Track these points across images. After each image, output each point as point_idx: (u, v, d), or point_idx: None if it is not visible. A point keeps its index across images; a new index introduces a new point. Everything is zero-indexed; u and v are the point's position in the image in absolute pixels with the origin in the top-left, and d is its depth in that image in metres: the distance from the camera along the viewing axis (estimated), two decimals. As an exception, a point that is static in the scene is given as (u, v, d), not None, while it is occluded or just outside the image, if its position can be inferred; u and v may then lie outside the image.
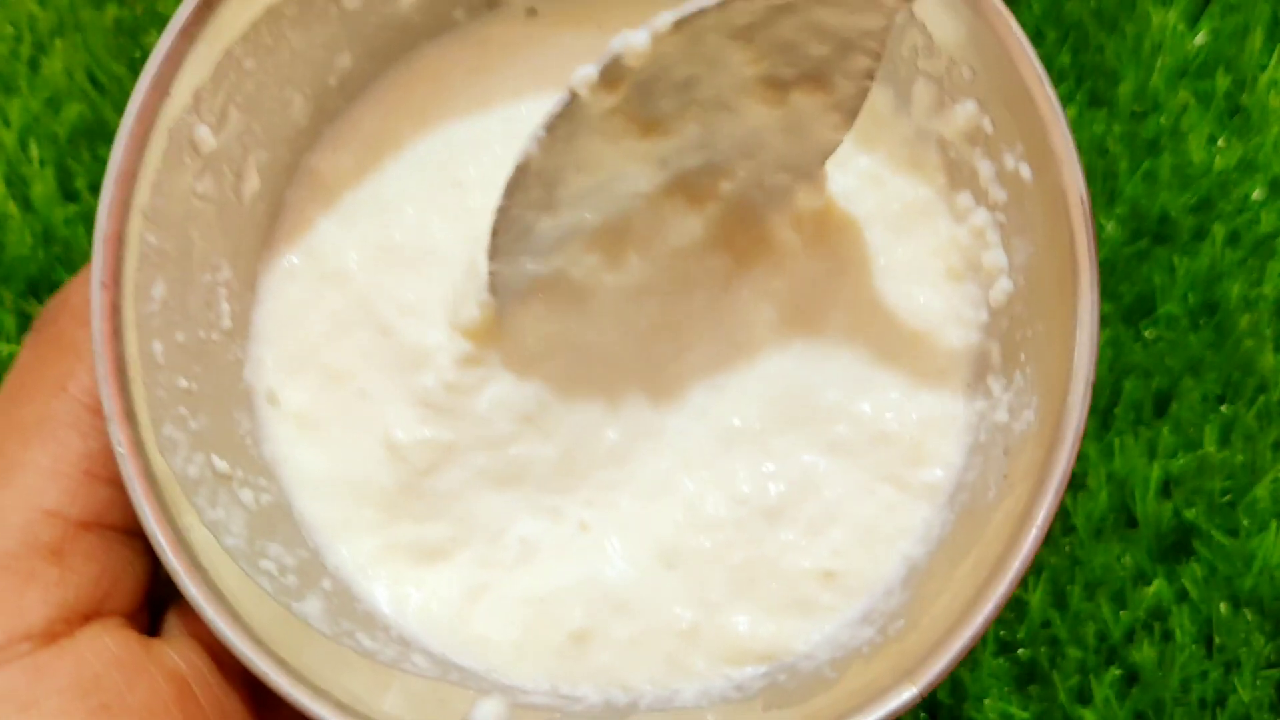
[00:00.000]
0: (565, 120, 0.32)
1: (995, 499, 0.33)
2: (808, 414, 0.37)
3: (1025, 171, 0.33)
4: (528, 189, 0.33)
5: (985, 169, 0.35)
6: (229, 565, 0.32)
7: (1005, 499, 0.33)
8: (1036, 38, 0.57)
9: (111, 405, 0.30)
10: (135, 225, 0.32)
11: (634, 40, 0.31)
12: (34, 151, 0.55)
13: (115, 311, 0.31)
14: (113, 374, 0.31)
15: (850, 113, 0.35)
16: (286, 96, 0.36)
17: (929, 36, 0.35)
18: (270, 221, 0.38)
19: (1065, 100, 0.55)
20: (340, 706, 0.31)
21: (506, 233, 0.34)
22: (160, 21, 0.57)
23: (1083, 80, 0.56)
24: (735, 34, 0.32)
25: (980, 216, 0.36)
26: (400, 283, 0.37)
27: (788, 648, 0.35)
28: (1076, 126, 0.55)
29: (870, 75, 0.33)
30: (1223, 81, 0.56)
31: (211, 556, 0.31)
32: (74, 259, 0.54)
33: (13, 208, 0.54)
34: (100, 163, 0.55)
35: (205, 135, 0.34)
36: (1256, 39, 0.56)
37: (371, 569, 0.36)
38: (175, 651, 0.32)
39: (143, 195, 0.32)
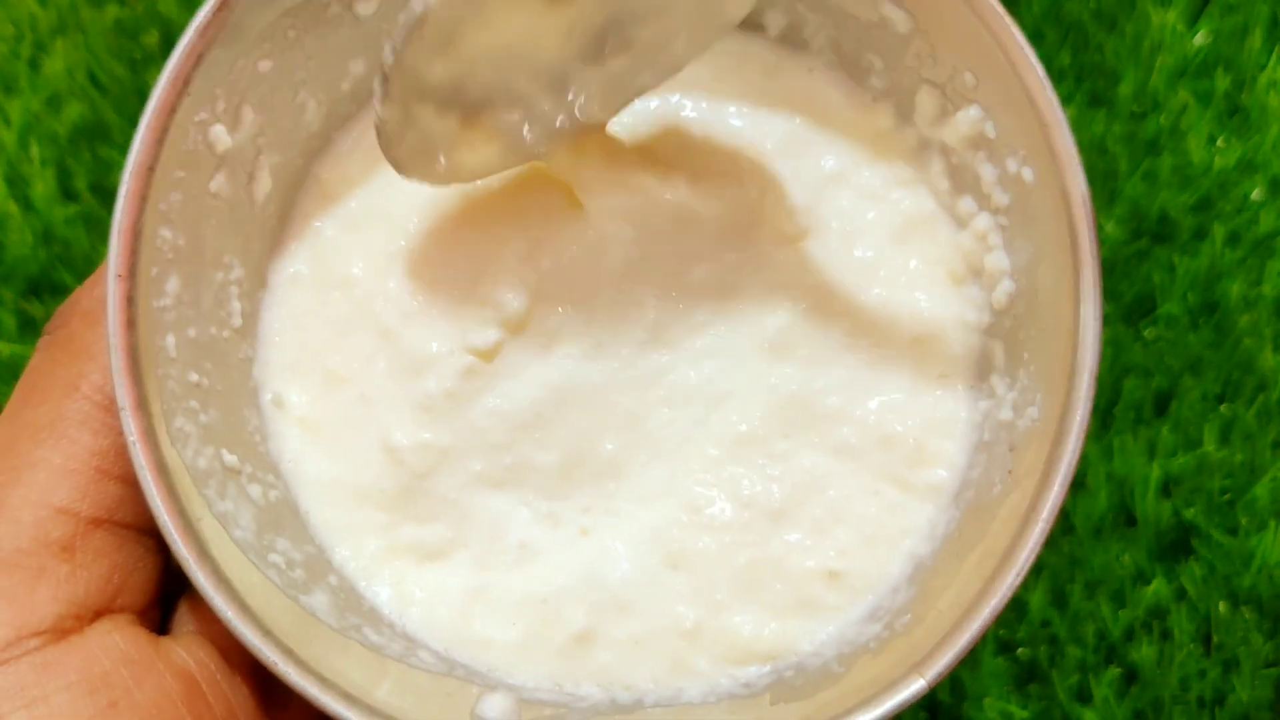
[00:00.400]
0: None
1: (1000, 494, 0.33)
2: (811, 418, 0.37)
3: (1028, 174, 0.34)
4: (424, 37, 0.33)
5: (988, 173, 0.36)
6: (237, 556, 0.32)
7: (1010, 494, 0.33)
8: (1036, 38, 0.57)
9: (124, 395, 0.31)
10: (151, 219, 0.32)
11: None
12: (34, 151, 0.55)
13: (130, 303, 0.31)
14: (126, 365, 0.31)
15: None
16: (300, 100, 0.37)
17: (932, 44, 0.35)
18: (280, 224, 0.38)
19: (1065, 100, 0.55)
20: (347, 697, 0.31)
21: (399, 79, 0.33)
22: (160, 21, 0.57)
23: (1083, 80, 0.56)
24: None
25: (983, 220, 0.36)
26: (404, 290, 0.37)
27: (792, 648, 0.35)
28: (1076, 126, 0.55)
29: None
30: (1222, 81, 0.56)
31: (220, 547, 0.31)
32: (74, 259, 0.54)
33: (13, 208, 0.54)
34: (101, 162, 0.55)
35: (221, 134, 0.34)
36: (1256, 39, 0.56)
37: (374, 569, 0.36)
38: (184, 649, 0.32)
39: (159, 191, 0.32)
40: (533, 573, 0.36)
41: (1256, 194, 0.54)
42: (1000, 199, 0.35)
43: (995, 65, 0.33)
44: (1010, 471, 0.33)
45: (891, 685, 0.31)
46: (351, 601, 0.35)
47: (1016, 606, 0.49)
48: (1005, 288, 0.36)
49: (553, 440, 0.37)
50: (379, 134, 0.34)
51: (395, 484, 0.36)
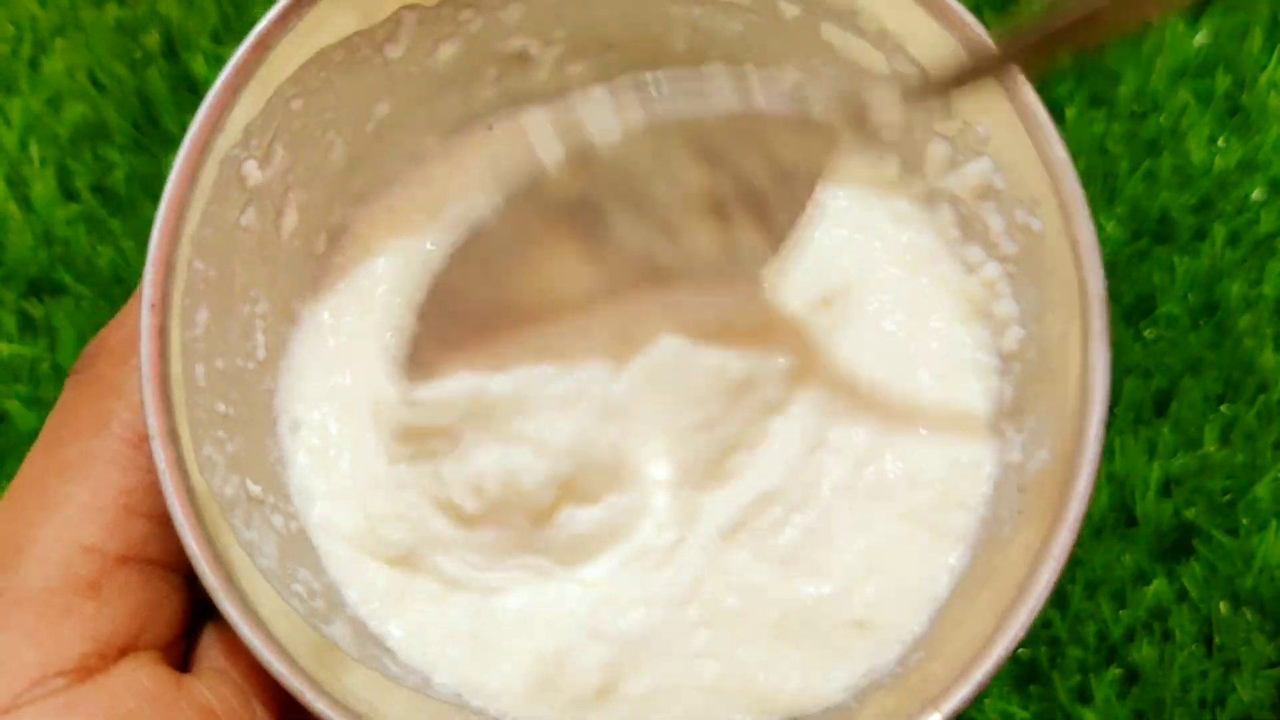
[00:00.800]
0: (524, 199, 0.34)
1: (1011, 533, 0.34)
2: (836, 468, 0.37)
3: (1036, 224, 0.34)
4: (468, 260, 0.35)
5: (996, 223, 0.36)
6: (263, 585, 0.32)
7: (1021, 533, 0.33)
8: (1036, 38, 0.57)
9: (155, 424, 0.31)
10: (184, 252, 0.32)
11: (608, 128, 0.33)
12: (34, 151, 0.55)
13: (162, 333, 0.32)
14: (157, 394, 0.31)
15: (779, 242, 0.36)
16: (329, 140, 0.37)
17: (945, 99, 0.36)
18: (304, 264, 0.38)
19: (1065, 100, 0.56)
20: None
21: (434, 299, 0.35)
22: (161, 21, 0.57)
23: (1083, 80, 0.56)
24: (696, 149, 0.34)
25: (991, 269, 0.37)
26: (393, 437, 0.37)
27: (816, 697, 0.35)
28: (1076, 126, 0.55)
29: (805, 204, 0.35)
30: (1223, 81, 0.56)
31: (246, 574, 0.31)
32: (74, 259, 0.54)
33: (13, 208, 0.54)
34: (101, 163, 0.55)
35: (252, 170, 0.35)
36: (1256, 39, 0.56)
37: (384, 611, 0.36)
38: (207, 686, 0.32)
39: (192, 223, 0.33)
40: (545, 627, 0.36)
41: (1257, 194, 0.54)
42: (1008, 248, 0.36)
43: (1005, 117, 0.34)
44: (1020, 512, 0.34)
45: (908, 719, 0.31)
46: (368, 634, 0.36)
47: (1017, 607, 0.49)
48: (1014, 334, 0.36)
49: (568, 524, 0.36)
50: (409, 352, 0.36)
51: (393, 551, 0.36)
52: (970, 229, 0.37)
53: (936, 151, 0.37)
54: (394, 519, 0.36)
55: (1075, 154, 0.56)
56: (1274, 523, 0.50)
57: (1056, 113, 0.55)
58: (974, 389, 0.37)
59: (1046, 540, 0.31)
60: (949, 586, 0.35)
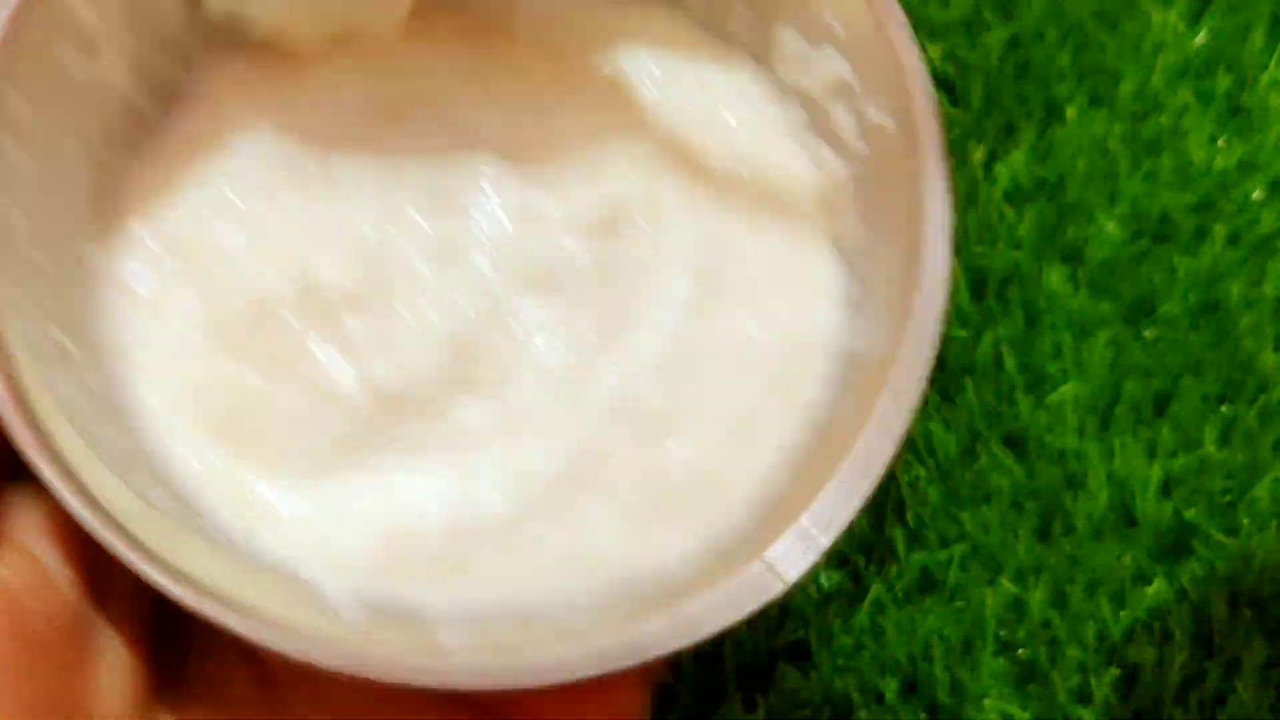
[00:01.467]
0: None
1: (852, 411, 0.33)
2: (697, 329, 0.36)
3: (888, 122, 0.34)
4: None
5: (846, 122, 0.36)
6: (74, 439, 0.29)
7: (863, 410, 0.32)
8: (1036, 38, 0.57)
9: None
10: (4, 88, 0.31)
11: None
12: (35, 151, 0.55)
13: None
14: None
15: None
16: None
17: None
18: (127, 121, 0.36)
19: (1065, 100, 0.56)
20: (188, 580, 0.28)
21: None
22: (161, 21, 0.57)
23: (1083, 80, 0.56)
24: None
25: (840, 169, 0.36)
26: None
27: (664, 560, 0.34)
28: (1076, 126, 0.55)
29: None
30: (1223, 81, 0.56)
31: (57, 427, 0.29)
32: (75, 258, 0.54)
33: (14, 207, 0.54)
34: (101, 162, 0.55)
35: (82, 7, 0.33)
36: (1257, 39, 0.56)
37: (212, 481, 0.33)
38: (6, 564, 0.30)
39: (14, 59, 0.31)
40: (396, 504, 0.34)
41: (1257, 194, 0.54)
42: (859, 147, 0.35)
43: (857, 10, 0.33)
44: (859, 389, 0.33)
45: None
46: (194, 503, 0.33)
47: (1016, 606, 0.49)
48: (857, 230, 0.36)
49: (453, 414, 0.35)
50: None
51: (223, 424, 0.34)
52: (819, 128, 0.37)
53: (787, 43, 0.37)
54: (226, 388, 0.34)
55: (1075, 154, 0.56)
56: (1274, 523, 0.50)
57: (1056, 113, 0.55)
58: (819, 268, 0.37)
59: (885, 419, 0.31)
60: (796, 449, 0.34)
